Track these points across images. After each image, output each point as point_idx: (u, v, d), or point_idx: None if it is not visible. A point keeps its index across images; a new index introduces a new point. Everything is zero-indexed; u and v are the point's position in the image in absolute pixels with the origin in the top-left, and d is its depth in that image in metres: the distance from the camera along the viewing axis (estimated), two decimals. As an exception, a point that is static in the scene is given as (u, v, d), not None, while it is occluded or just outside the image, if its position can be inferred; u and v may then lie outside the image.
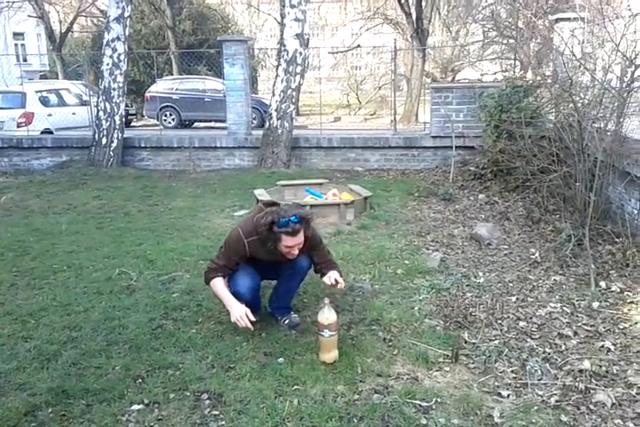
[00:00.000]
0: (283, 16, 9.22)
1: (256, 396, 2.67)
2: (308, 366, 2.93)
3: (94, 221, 6.13)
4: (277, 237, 3.02)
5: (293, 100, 9.33)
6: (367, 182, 7.67)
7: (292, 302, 3.54)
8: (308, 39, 9.31)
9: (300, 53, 9.04)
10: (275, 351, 3.09)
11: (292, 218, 2.99)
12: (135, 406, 2.63)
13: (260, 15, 26.63)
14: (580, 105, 5.17)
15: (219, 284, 3.24)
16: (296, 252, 3.11)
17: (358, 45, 20.00)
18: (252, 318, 3.07)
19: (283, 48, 9.06)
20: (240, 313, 3.07)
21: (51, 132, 11.52)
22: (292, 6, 8.89)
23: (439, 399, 2.64)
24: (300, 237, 3.06)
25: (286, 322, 3.40)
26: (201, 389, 2.76)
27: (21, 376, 2.89)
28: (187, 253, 4.76)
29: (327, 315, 2.95)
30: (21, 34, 28.54)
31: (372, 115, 19.76)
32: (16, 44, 28.27)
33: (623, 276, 3.99)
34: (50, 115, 12.12)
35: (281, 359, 3.01)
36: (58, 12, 24.80)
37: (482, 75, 17.50)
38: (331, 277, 3.25)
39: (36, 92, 12.72)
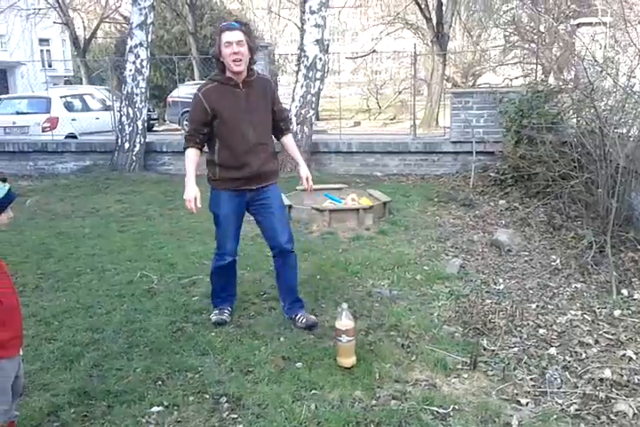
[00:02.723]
0: (303, 22, 9.28)
1: (274, 400, 2.69)
2: (326, 370, 2.94)
3: (117, 224, 6.22)
4: (220, 39, 3.20)
5: (313, 106, 9.38)
6: (386, 187, 7.67)
7: (297, 292, 3.64)
8: (327, 45, 9.37)
9: (320, 59, 9.09)
10: (293, 356, 3.11)
11: (233, 22, 3.27)
12: (155, 408, 2.67)
13: (280, 21, 26.76)
14: (601, 110, 5.13)
15: (189, 155, 3.36)
16: (237, 50, 3.16)
17: (374, 51, 20.01)
18: (199, 205, 3.27)
19: (303, 54, 9.11)
20: (190, 197, 3.26)
21: (75, 137, 11.72)
22: (312, 12, 8.95)
23: (457, 406, 2.64)
24: (239, 35, 3.18)
25: (303, 321, 3.46)
26: (220, 392, 2.79)
27: (45, 377, 2.95)
28: (207, 257, 4.80)
29: (345, 320, 2.96)
30: (47, 40, 29.09)
31: (391, 119, 19.72)
32: (42, 50, 28.81)
33: (645, 283, 3.94)
34: (74, 119, 12.33)
35: (299, 364, 3.02)
36: (82, 18, 25.21)
37: (505, 79, 17.45)
38: (305, 178, 3.50)
39: (61, 97, 12.96)
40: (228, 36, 3.18)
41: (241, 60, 3.20)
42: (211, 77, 3.40)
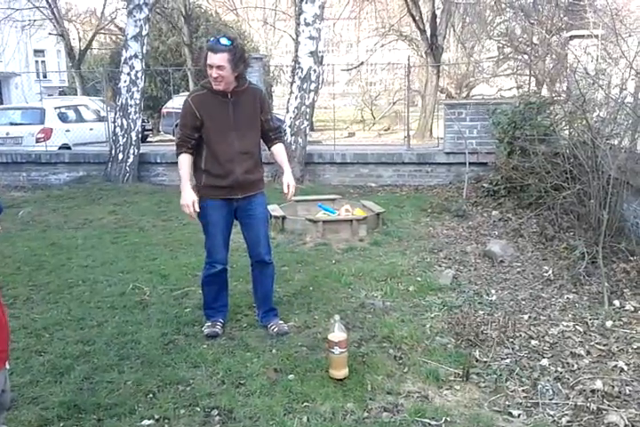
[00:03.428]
0: (297, 34, 9.35)
1: (266, 412, 2.68)
2: (318, 383, 2.93)
3: (109, 236, 6.21)
4: (204, 57, 3.22)
5: (307, 117, 9.41)
6: (380, 198, 7.69)
7: (272, 300, 3.70)
8: (322, 57, 9.44)
9: (315, 71, 9.14)
10: (285, 368, 3.10)
11: (220, 37, 3.22)
12: (146, 422, 2.65)
13: (275, 32, 26.95)
14: (593, 122, 5.17)
15: (182, 161, 3.40)
16: (217, 75, 3.20)
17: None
18: (197, 209, 3.32)
19: (297, 65, 9.16)
20: (187, 201, 3.31)
21: (68, 148, 11.70)
22: (307, 24, 9.01)
23: (449, 418, 2.63)
24: (222, 59, 3.16)
25: (275, 330, 3.51)
26: (211, 405, 2.77)
27: (34, 390, 2.93)
28: (200, 268, 4.74)
29: (337, 332, 2.96)
30: (42, 51, 29.13)
31: (386, 130, 19.82)
32: (36, 61, 28.86)
33: (637, 294, 3.95)
34: (68, 130, 12.32)
35: (291, 376, 3.01)
36: (77, 29, 25.33)
37: (498, 91, 17.55)
38: (286, 185, 3.48)
39: (55, 108, 12.96)
40: (210, 59, 3.20)
41: (221, 81, 3.24)
42: (202, 84, 3.45)
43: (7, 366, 2.09)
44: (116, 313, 3.94)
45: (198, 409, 2.74)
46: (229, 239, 3.57)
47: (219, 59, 3.17)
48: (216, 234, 3.48)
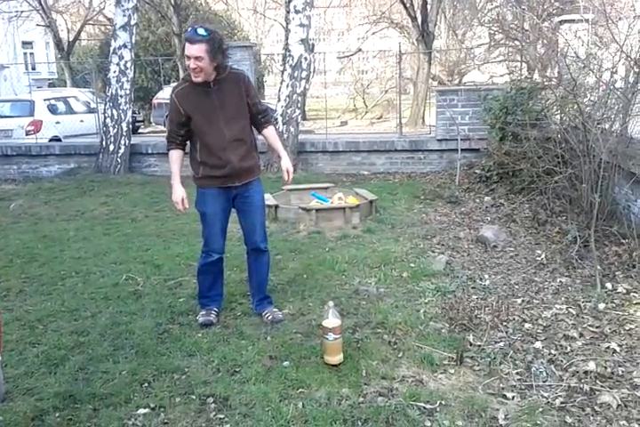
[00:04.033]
0: (287, 22, 9.26)
1: (261, 399, 2.69)
2: (313, 369, 2.94)
3: (102, 227, 6.18)
4: (183, 46, 3.16)
5: (299, 105, 9.36)
6: (373, 186, 7.68)
7: (267, 289, 3.72)
8: (313, 44, 9.38)
9: (306, 59, 9.08)
10: (280, 355, 3.11)
11: (198, 28, 3.16)
12: (141, 410, 2.65)
13: (265, 21, 26.76)
14: (584, 106, 5.17)
15: (172, 157, 3.45)
16: (195, 66, 3.15)
17: (359, 49, 20.02)
18: (187, 206, 3.42)
19: (288, 53, 9.10)
20: (177, 198, 3.40)
21: (59, 140, 11.62)
22: (297, 12, 8.94)
23: (444, 402, 2.65)
24: (199, 50, 3.11)
25: (269, 318, 3.53)
26: (206, 393, 2.78)
27: (29, 381, 2.92)
28: (193, 258, 4.77)
29: (332, 319, 2.97)
30: (30, 43, 28.82)
31: (378, 118, 19.76)
32: (25, 53, 28.54)
33: (629, 277, 3.98)
34: (58, 122, 12.23)
35: (286, 363, 3.02)
36: (65, 20, 25.04)
37: (490, 77, 17.52)
38: (285, 170, 3.49)
39: (45, 100, 12.85)
40: (187, 49, 3.17)
41: (200, 72, 3.20)
42: (183, 77, 3.45)
43: (0, 358, 2.09)
44: (110, 304, 3.93)
45: (194, 397, 2.75)
46: (226, 228, 3.57)
47: (196, 49, 3.12)
48: (214, 223, 3.48)
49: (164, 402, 2.71)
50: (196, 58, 3.14)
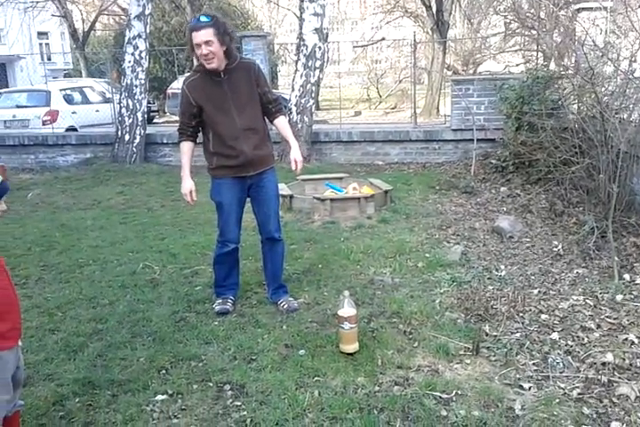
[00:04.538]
0: (301, 11, 9.21)
1: (277, 387, 2.71)
2: (328, 358, 2.95)
3: (118, 216, 6.23)
4: (190, 39, 3.20)
5: (313, 95, 9.34)
6: (387, 176, 7.66)
7: (282, 278, 3.73)
8: (327, 33, 9.31)
9: (320, 48, 9.04)
10: (296, 343, 3.12)
11: (199, 16, 3.22)
12: (159, 397, 2.68)
13: (279, 10, 26.62)
14: (602, 96, 5.10)
15: (183, 149, 3.48)
16: (207, 51, 3.17)
17: (383, 38, 19.82)
18: (195, 198, 3.47)
19: (302, 43, 9.06)
20: (186, 190, 3.45)
21: (75, 130, 11.70)
22: (311, 1, 8.88)
23: (460, 391, 2.65)
24: (207, 34, 3.15)
25: (285, 306, 3.55)
26: (223, 380, 2.80)
27: (49, 367, 2.97)
28: (209, 247, 4.80)
29: (347, 308, 2.97)
30: (45, 33, 28.98)
31: (392, 108, 19.65)
32: (40, 44, 28.72)
33: (647, 268, 3.94)
34: (74, 112, 12.31)
35: (302, 351, 3.03)
36: (80, 10, 25.11)
37: (506, 66, 17.33)
38: (293, 160, 3.48)
39: (61, 90, 12.92)
40: (195, 38, 3.18)
41: (213, 58, 3.21)
42: (194, 68, 3.46)
43: (20, 344, 2.12)
44: (127, 292, 3.97)
45: (211, 384, 2.77)
46: (242, 218, 3.58)
47: (204, 35, 3.15)
48: (229, 213, 3.49)
49: (181, 389, 2.74)
50: (206, 43, 3.16)
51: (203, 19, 3.18)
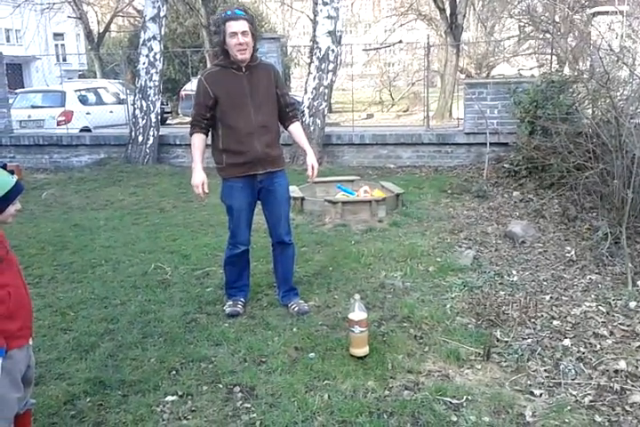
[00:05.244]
0: (315, 13, 9.23)
1: (287, 390, 2.71)
2: (338, 361, 2.95)
3: (131, 217, 6.27)
4: (224, 29, 3.24)
5: (325, 98, 9.34)
6: (399, 179, 7.64)
7: (292, 280, 3.73)
8: (340, 36, 9.31)
9: (333, 51, 9.05)
10: (306, 346, 3.12)
11: (234, 9, 3.31)
12: (169, 398, 2.69)
13: (292, 13, 26.69)
14: (617, 100, 5.07)
15: (195, 141, 3.44)
16: (243, 41, 3.24)
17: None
18: (207, 190, 3.40)
19: (315, 45, 9.08)
20: (197, 182, 3.38)
21: (89, 130, 11.79)
22: (325, 4, 8.90)
23: (470, 397, 2.63)
24: (244, 25, 3.24)
25: (295, 309, 3.55)
26: (233, 382, 2.81)
27: (61, 366, 2.99)
28: (220, 249, 4.81)
29: (358, 312, 2.97)
30: (61, 34, 29.24)
31: (404, 111, 19.64)
32: (56, 45, 28.99)
33: (662, 275, 3.90)
34: (88, 113, 12.40)
35: (312, 354, 3.03)
36: (96, 12, 25.34)
37: (519, 70, 17.26)
38: (310, 166, 3.49)
39: (75, 91, 13.03)
40: (233, 27, 3.24)
41: (246, 49, 3.28)
42: (214, 63, 3.51)
43: (31, 343, 2.14)
44: (139, 292, 3.99)
45: (221, 386, 2.78)
46: (252, 220, 3.59)
47: (242, 24, 3.24)
48: (240, 215, 3.50)
49: (191, 390, 2.75)
50: (243, 33, 3.23)
51: (239, 12, 3.27)
